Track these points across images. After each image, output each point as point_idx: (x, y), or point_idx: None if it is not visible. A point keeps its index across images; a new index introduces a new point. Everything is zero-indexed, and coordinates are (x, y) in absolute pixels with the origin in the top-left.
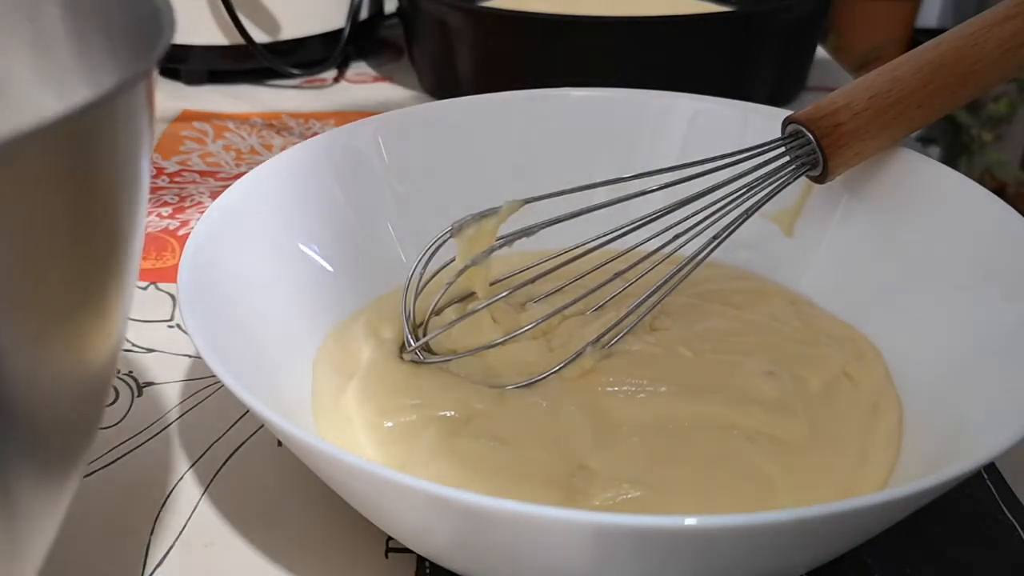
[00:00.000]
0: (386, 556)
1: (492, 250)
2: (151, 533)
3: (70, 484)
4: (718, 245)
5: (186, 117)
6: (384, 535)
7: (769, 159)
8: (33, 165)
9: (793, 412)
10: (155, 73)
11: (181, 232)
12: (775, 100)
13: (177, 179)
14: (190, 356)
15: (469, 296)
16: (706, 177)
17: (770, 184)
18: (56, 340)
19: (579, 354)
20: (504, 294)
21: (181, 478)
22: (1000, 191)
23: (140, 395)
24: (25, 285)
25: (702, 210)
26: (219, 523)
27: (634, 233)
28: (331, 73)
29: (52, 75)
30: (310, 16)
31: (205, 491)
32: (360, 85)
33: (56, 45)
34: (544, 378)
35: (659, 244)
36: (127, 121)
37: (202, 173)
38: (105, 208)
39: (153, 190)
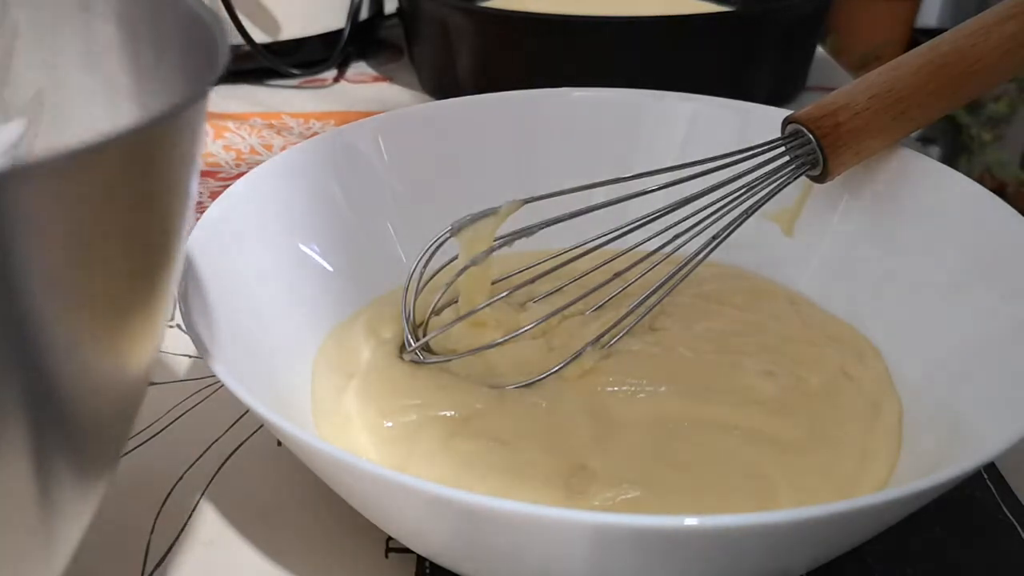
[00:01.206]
0: (386, 556)
1: (492, 250)
2: (151, 533)
3: (103, 483)
4: (718, 245)
5: None
6: (384, 535)
7: (769, 159)
8: (99, 173)
9: (793, 412)
10: (210, 92)
11: None
12: (775, 100)
13: None
14: (190, 356)
15: None
16: (706, 177)
17: (770, 184)
18: (104, 342)
19: (579, 354)
20: (504, 294)
21: (181, 478)
22: (1000, 191)
23: None
24: (81, 289)
25: (702, 210)
26: (219, 523)
27: (634, 233)
28: (331, 73)
29: (102, 90)
30: (310, 16)
31: (205, 491)
32: (360, 85)
33: (108, 62)
34: (544, 378)
35: (659, 244)
36: (186, 135)
37: (202, 173)
38: (157, 217)
39: None
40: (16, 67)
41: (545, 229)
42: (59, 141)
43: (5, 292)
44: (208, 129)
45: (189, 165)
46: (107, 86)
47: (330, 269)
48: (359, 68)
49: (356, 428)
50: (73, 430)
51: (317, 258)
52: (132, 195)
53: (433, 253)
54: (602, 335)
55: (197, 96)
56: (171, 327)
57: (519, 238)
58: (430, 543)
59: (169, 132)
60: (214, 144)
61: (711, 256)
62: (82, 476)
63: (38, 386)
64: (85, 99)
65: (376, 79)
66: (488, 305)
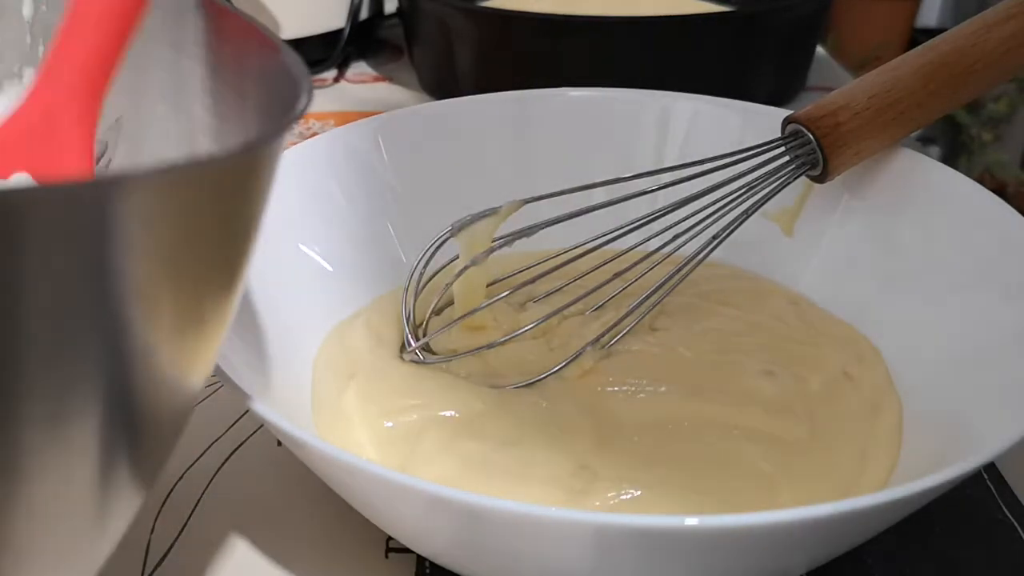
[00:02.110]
0: (386, 556)
1: (492, 250)
2: (151, 533)
3: (151, 483)
4: (718, 245)
5: None
6: (384, 535)
7: (769, 159)
8: (201, 189)
9: (793, 412)
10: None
11: None
12: (775, 100)
13: None
14: None
15: None
16: (706, 177)
17: (770, 184)
18: (177, 349)
19: (579, 354)
20: (504, 294)
21: (181, 478)
22: (1000, 191)
23: None
24: (166, 298)
25: (702, 210)
26: (219, 523)
27: (634, 233)
28: (331, 73)
29: (181, 125)
30: (310, 16)
31: (205, 491)
32: (360, 85)
33: (190, 99)
34: (544, 378)
35: (659, 244)
36: (269, 164)
37: None
38: (237, 236)
39: None
40: None
41: (545, 229)
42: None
43: (102, 295)
44: None
45: (267, 190)
46: (186, 121)
47: (330, 269)
48: (359, 68)
49: (356, 428)
50: (137, 430)
51: (317, 258)
52: (221, 213)
53: (433, 253)
54: (602, 335)
55: (280, 131)
56: None
57: (519, 238)
58: (430, 543)
59: (261, 158)
60: None
61: (711, 256)
62: (137, 474)
63: (115, 385)
64: (163, 131)
65: (376, 79)
66: (488, 306)
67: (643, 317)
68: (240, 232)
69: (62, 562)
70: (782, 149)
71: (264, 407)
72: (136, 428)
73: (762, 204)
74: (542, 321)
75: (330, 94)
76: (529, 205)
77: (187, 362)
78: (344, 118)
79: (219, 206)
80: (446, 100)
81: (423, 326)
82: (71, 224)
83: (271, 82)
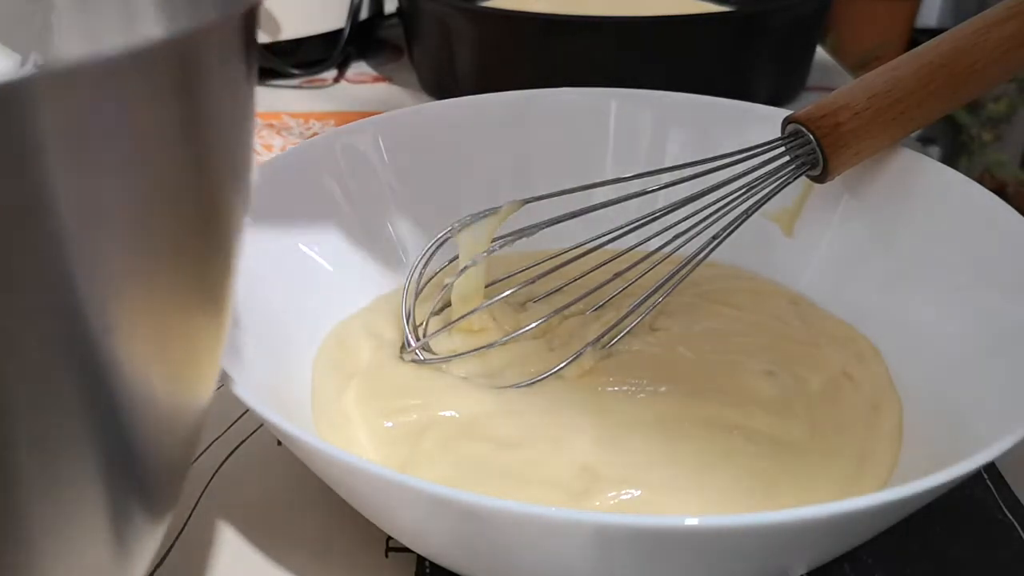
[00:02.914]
0: (386, 556)
1: (492, 250)
2: None
3: (168, 514)
4: (718, 245)
5: None
6: (384, 535)
7: (769, 159)
8: (144, 79)
9: (793, 412)
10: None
11: None
12: (775, 100)
13: None
14: None
15: None
16: (706, 177)
17: (770, 184)
18: (170, 364)
19: (579, 354)
20: (505, 294)
21: None
22: (1000, 191)
23: None
24: (145, 290)
25: (702, 210)
26: (219, 523)
27: (634, 233)
28: (331, 73)
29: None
30: (310, 16)
31: (205, 490)
32: (360, 85)
33: (146, 30)
34: (544, 378)
35: (659, 244)
36: (226, 57)
37: None
38: (211, 181)
39: None
40: (55, 43)
41: (545, 229)
42: None
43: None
44: None
45: (237, 96)
46: (131, 19)
47: (330, 269)
48: (359, 68)
49: (356, 428)
50: (142, 465)
51: (317, 258)
52: (184, 145)
53: (433, 253)
54: (602, 335)
55: (233, 12)
56: None
57: (519, 238)
58: (430, 543)
59: (209, 44)
60: None
61: (711, 256)
62: (151, 515)
63: (109, 422)
64: (107, 31)
65: (376, 79)
66: (488, 306)
67: (643, 317)
68: (222, 163)
69: None
70: (782, 149)
71: (264, 407)
72: (142, 461)
73: (762, 204)
74: (542, 321)
75: (330, 94)
76: (529, 205)
77: (185, 377)
78: (344, 118)
79: (175, 113)
80: (446, 100)
81: (423, 326)
82: None
83: (227, 5)
